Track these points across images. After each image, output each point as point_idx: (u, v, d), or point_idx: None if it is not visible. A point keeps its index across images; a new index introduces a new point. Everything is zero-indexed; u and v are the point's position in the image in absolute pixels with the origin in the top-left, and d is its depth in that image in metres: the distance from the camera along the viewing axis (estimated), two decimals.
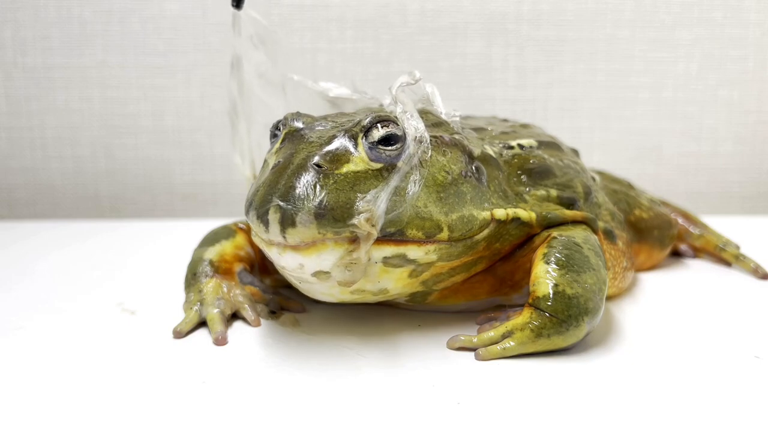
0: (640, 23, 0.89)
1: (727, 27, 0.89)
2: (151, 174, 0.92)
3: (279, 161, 0.37)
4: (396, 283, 0.40)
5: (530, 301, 0.39)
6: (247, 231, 0.50)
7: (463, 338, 0.39)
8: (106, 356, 0.39)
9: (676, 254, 0.64)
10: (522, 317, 0.39)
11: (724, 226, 0.67)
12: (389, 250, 0.37)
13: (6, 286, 0.54)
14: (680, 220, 0.64)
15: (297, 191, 0.35)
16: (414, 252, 0.38)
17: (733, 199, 0.94)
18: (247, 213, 0.37)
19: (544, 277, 0.39)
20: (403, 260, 0.38)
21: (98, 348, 0.41)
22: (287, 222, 0.34)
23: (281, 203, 0.35)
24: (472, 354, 0.39)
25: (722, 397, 0.33)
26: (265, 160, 0.41)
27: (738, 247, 0.61)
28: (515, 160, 0.46)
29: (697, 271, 0.60)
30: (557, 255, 0.40)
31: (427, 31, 0.89)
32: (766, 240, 0.70)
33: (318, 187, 0.35)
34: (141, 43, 0.87)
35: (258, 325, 0.43)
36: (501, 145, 0.47)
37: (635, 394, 0.34)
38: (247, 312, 0.44)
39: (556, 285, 0.38)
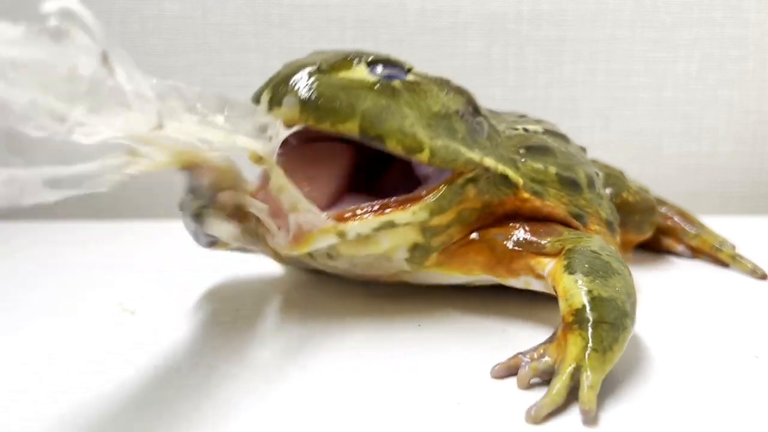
0: (640, 23, 0.89)
1: (727, 27, 0.89)
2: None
3: (286, 65, 0.41)
4: (392, 241, 0.41)
5: (569, 320, 0.35)
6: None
7: (540, 406, 0.32)
8: (106, 356, 0.39)
9: (674, 254, 0.64)
10: (574, 345, 0.34)
11: (723, 226, 0.67)
12: (375, 221, 0.39)
13: (5, 286, 0.54)
14: (677, 219, 0.64)
15: (291, 79, 0.39)
16: (400, 217, 0.39)
17: (733, 199, 0.94)
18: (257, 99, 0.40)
19: (574, 287, 0.37)
20: (392, 226, 0.39)
21: (98, 348, 0.41)
22: (274, 102, 0.38)
23: (274, 87, 0.39)
24: (471, 354, 0.39)
25: (722, 397, 0.34)
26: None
27: (734, 248, 0.61)
28: (516, 138, 0.47)
29: (696, 271, 0.60)
30: (578, 264, 0.38)
31: (427, 31, 0.89)
32: (766, 240, 0.70)
33: (312, 80, 0.38)
34: (141, 43, 0.87)
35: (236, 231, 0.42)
36: (507, 128, 0.48)
37: (634, 393, 0.34)
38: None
39: (589, 291, 0.36)
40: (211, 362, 0.39)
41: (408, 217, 0.39)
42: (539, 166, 0.45)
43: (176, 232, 0.74)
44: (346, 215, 0.39)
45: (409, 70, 0.42)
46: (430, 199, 0.40)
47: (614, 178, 0.58)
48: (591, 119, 0.92)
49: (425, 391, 0.34)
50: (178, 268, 0.51)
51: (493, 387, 0.35)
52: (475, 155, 0.41)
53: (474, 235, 0.44)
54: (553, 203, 0.45)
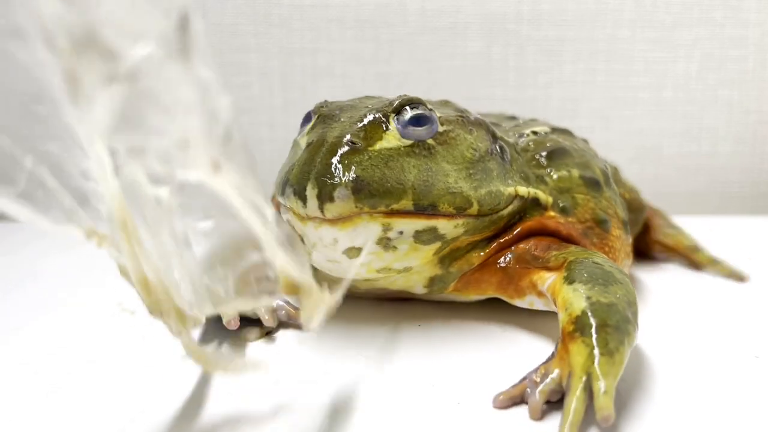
0: (640, 23, 0.89)
1: (727, 27, 0.89)
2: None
3: (312, 140, 0.39)
4: (421, 261, 0.41)
5: (570, 329, 0.34)
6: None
7: (567, 428, 0.30)
8: (106, 356, 0.39)
9: (649, 257, 0.63)
10: (578, 354, 0.32)
11: (724, 226, 0.67)
12: (421, 223, 0.38)
13: (6, 286, 0.54)
14: (654, 218, 0.63)
15: (333, 167, 0.36)
16: (444, 226, 0.39)
17: (733, 199, 0.94)
18: (282, 191, 0.38)
19: (573, 295, 0.36)
20: (433, 235, 0.39)
21: (98, 348, 0.41)
22: (325, 197, 0.36)
23: (319, 179, 0.36)
24: (471, 354, 0.39)
25: (722, 397, 0.34)
26: (296, 141, 0.43)
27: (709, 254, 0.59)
28: (531, 145, 0.47)
29: (696, 270, 0.60)
30: (577, 274, 0.38)
31: (427, 31, 0.89)
32: (766, 240, 0.70)
33: (354, 163, 0.37)
34: None
35: (273, 325, 0.43)
36: (516, 136, 0.48)
37: (634, 392, 0.34)
38: (262, 311, 0.43)
39: (588, 297, 0.35)
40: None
41: (449, 227, 0.39)
42: (564, 173, 0.46)
43: None
44: (395, 212, 0.38)
45: (431, 110, 0.41)
46: (472, 219, 0.40)
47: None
48: (591, 119, 0.92)
49: (426, 391, 0.34)
50: None
51: (493, 387, 0.35)
52: (511, 189, 0.42)
53: (490, 260, 0.44)
54: (581, 214, 0.45)
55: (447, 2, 0.88)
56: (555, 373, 0.33)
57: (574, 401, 0.30)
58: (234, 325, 0.41)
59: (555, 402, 0.33)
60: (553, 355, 0.34)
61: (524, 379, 0.34)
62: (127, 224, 0.25)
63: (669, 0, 0.88)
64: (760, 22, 0.89)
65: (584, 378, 0.31)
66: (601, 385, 0.30)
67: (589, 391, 0.31)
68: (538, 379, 0.33)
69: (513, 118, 0.58)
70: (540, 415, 0.32)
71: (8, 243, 0.70)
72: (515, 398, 0.33)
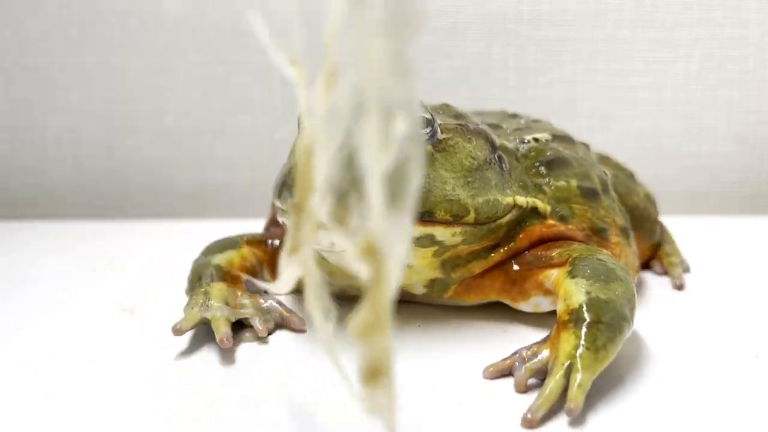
0: (640, 23, 0.89)
1: (727, 27, 0.89)
2: (151, 174, 0.92)
3: None
4: (420, 260, 0.41)
5: (565, 318, 0.36)
6: (253, 243, 0.50)
7: (536, 407, 0.32)
8: (106, 356, 0.39)
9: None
10: (566, 342, 0.34)
11: (724, 226, 0.67)
12: (418, 230, 0.39)
13: (6, 286, 0.54)
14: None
15: None
16: (441, 233, 0.39)
17: (733, 199, 0.94)
18: (279, 194, 0.39)
19: (574, 288, 0.37)
20: (431, 241, 0.40)
21: (98, 348, 0.41)
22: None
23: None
24: (471, 354, 0.39)
25: (722, 397, 0.34)
26: (294, 145, 0.43)
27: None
28: (532, 153, 0.48)
29: (696, 271, 0.60)
30: (581, 269, 0.39)
31: (427, 31, 0.89)
32: (766, 240, 0.70)
33: None
34: (141, 43, 0.87)
35: (265, 335, 0.42)
36: (517, 141, 0.48)
37: (634, 393, 0.34)
38: (255, 321, 0.43)
39: (588, 292, 0.37)
40: (210, 361, 0.39)
41: (447, 235, 0.40)
42: (562, 183, 0.46)
43: (176, 232, 0.74)
44: None
45: (431, 115, 0.41)
46: (470, 227, 0.40)
47: (623, 179, 0.57)
48: (591, 119, 0.92)
49: (426, 392, 0.34)
50: (177, 267, 0.51)
51: (493, 387, 0.35)
52: (509, 198, 0.42)
53: (494, 268, 0.44)
54: (578, 223, 0.45)
55: (447, 2, 0.88)
56: (544, 354, 0.35)
57: (552, 383, 0.32)
58: (227, 343, 0.39)
59: (541, 381, 0.34)
60: (546, 337, 0.36)
61: (515, 354, 0.36)
62: (332, 73, 0.22)
63: (669, 0, 0.88)
64: (760, 22, 0.89)
65: (566, 365, 0.33)
66: (578, 377, 0.32)
67: (567, 378, 0.32)
68: (527, 357, 0.36)
69: (515, 116, 0.58)
70: (524, 389, 0.34)
71: (8, 243, 0.70)
72: (504, 371, 0.36)
